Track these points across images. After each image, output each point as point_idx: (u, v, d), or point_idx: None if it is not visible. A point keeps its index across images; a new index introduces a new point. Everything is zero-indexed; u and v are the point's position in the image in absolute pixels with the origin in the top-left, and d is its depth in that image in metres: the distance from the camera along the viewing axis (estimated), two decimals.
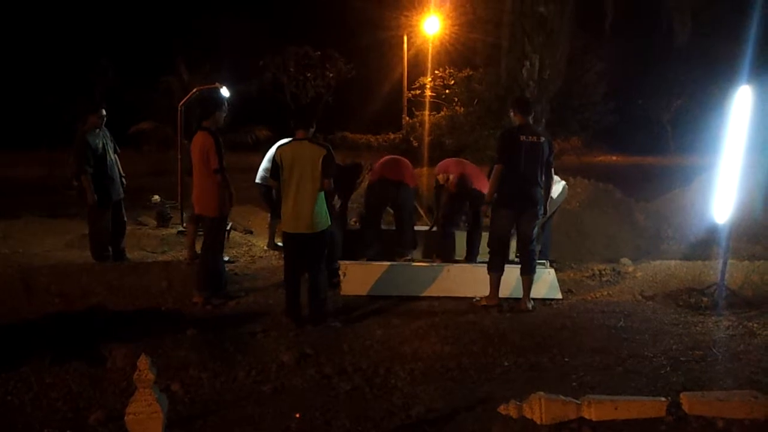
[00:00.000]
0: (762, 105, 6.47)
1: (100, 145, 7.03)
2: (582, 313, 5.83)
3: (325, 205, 5.43)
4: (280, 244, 8.35)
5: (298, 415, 3.77)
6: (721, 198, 6.07)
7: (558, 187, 7.02)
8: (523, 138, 5.78)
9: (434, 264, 6.96)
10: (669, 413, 3.53)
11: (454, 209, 7.31)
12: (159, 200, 9.73)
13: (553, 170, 6.07)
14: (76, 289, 6.21)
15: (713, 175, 6.63)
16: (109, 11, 26.26)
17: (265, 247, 8.34)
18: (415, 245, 7.66)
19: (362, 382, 4.19)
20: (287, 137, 5.78)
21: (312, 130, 5.47)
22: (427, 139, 20.77)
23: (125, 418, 3.27)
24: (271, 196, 7.30)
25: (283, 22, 27.31)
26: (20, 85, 23.18)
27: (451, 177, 7.22)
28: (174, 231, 8.83)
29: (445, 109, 21.42)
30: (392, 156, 8.10)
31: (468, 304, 6.06)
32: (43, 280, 6.32)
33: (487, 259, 6.18)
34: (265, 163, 7.72)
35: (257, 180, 7.87)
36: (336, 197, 6.43)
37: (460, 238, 7.44)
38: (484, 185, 6.74)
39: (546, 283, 6.39)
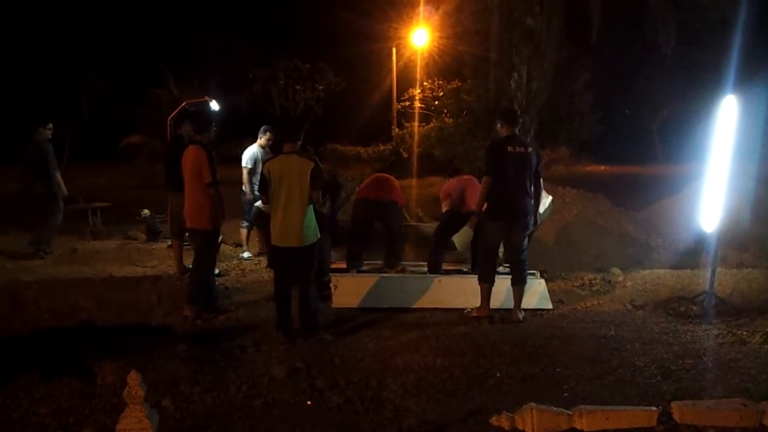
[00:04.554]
0: (747, 114, 6.54)
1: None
2: (573, 322, 5.85)
3: (315, 218, 5.43)
4: (247, 255, 8.42)
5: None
6: (709, 206, 6.12)
7: (545, 201, 7.06)
8: (510, 149, 5.81)
9: (425, 275, 6.99)
10: (660, 422, 3.55)
11: (450, 227, 7.34)
12: (149, 214, 9.69)
13: (542, 180, 6.11)
14: (65, 304, 6.17)
15: (701, 184, 6.68)
16: (97, 24, 26.25)
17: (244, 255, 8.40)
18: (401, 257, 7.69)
19: (354, 396, 4.18)
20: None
21: (299, 143, 5.49)
22: (416, 150, 20.80)
23: None
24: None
25: (272, 35, 27.38)
26: (7, 99, 23.08)
27: (452, 196, 7.28)
28: (164, 245, 8.80)
29: (434, 120, 21.45)
30: (378, 174, 8.13)
31: (459, 315, 6.07)
32: (32, 296, 6.29)
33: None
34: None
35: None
36: (324, 204, 6.45)
37: None
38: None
39: (537, 293, 6.41)
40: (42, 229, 8.57)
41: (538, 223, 6.31)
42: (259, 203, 6.95)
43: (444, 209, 7.47)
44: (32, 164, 8.42)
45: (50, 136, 8.66)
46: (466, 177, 7.75)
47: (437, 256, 7.32)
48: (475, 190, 7.29)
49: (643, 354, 4.91)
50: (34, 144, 8.45)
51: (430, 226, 8.04)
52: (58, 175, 8.50)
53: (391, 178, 7.87)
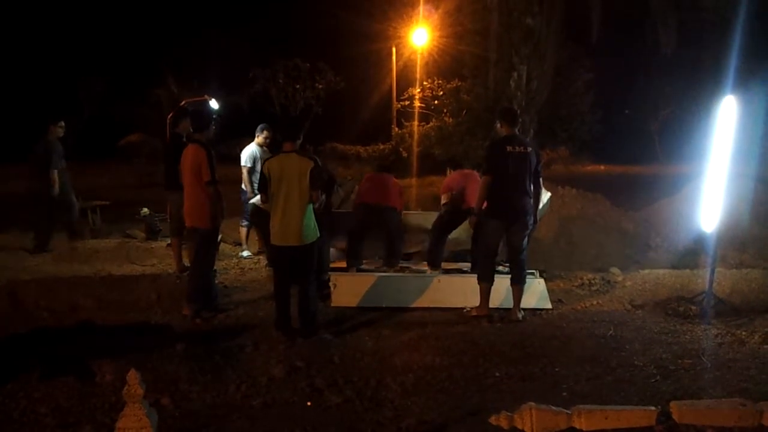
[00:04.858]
0: (747, 114, 6.54)
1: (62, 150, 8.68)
2: (572, 322, 5.85)
3: (314, 217, 5.43)
4: (246, 253, 8.45)
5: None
6: (708, 206, 6.11)
7: (543, 198, 7.05)
8: (510, 149, 5.80)
9: (425, 274, 6.98)
10: (659, 422, 3.54)
11: (450, 223, 7.30)
12: (148, 213, 9.69)
13: (541, 180, 6.11)
14: (64, 303, 6.17)
15: (700, 183, 6.67)
16: (98, 25, 26.26)
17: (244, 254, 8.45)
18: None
19: (353, 395, 4.18)
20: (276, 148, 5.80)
21: (299, 142, 5.49)
22: (416, 149, 20.82)
23: None
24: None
25: (272, 35, 27.37)
26: (8, 99, 23.09)
27: (453, 189, 7.22)
28: (163, 244, 8.80)
29: (434, 119, 21.48)
30: (376, 175, 7.89)
31: (458, 314, 6.06)
32: (32, 295, 6.28)
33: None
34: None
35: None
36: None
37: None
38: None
39: (536, 293, 6.40)
40: (63, 226, 8.95)
41: (537, 220, 6.30)
42: (255, 200, 6.96)
43: (443, 201, 7.40)
44: (40, 162, 8.52)
45: (62, 134, 8.82)
46: (467, 171, 7.65)
47: (437, 251, 7.29)
48: (476, 186, 7.25)
49: (642, 354, 4.91)
50: (44, 142, 8.59)
51: (431, 215, 7.91)
52: (55, 174, 8.52)
53: (391, 179, 7.74)
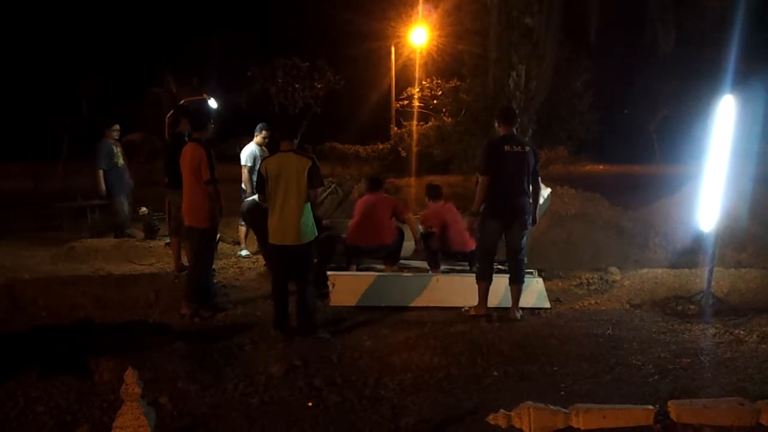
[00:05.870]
0: (745, 113, 6.54)
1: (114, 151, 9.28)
2: (570, 321, 5.85)
3: (312, 217, 5.43)
4: (245, 253, 8.46)
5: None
6: (706, 206, 6.12)
7: (543, 193, 7.04)
8: (507, 148, 5.80)
9: (423, 274, 6.98)
10: (657, 421, 3.55)
11: (434, 245, 7.28)
12: (147, 212, 9.69)
13: (540, 179, 6.11)
14: (63, 302, 6.18)
15: (699, 183, 6.67)
16: (97, 24, 26.26)
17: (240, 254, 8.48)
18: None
19: (351, 394, 4.18)
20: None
21: (296, 141, 5.48)
22: (415, 149, 20.81)
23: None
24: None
25: (271, 34, 27.38)
26: (6, 97, 23.08)
27: (433, 227, 7.17)
28: (162, 243, 8.80)
29: (433, 119, 21.46)
30: (366, 202, 7.23)
31: (457, 314, 6.07)
32: (30, 294, 6.29)
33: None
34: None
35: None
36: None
37: None
38: (465, 245, 6.92)
39: (534, 292, 6.41)
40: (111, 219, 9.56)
41: (538, 215, 6.28)
42: (253, 198, 6.95)
43: (422, 231, 7.30)
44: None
45: (117, 137, 9.51)
46: (446, 205, 7.43)
47: (433, 258, 7.26)
48: (457, 227, 7.11)
49: (641, 353, 4.92)
50: (99, 145, 9.23)
51: None
52: (100, 174, 9.10)
53: (382, 202, 7.21)
